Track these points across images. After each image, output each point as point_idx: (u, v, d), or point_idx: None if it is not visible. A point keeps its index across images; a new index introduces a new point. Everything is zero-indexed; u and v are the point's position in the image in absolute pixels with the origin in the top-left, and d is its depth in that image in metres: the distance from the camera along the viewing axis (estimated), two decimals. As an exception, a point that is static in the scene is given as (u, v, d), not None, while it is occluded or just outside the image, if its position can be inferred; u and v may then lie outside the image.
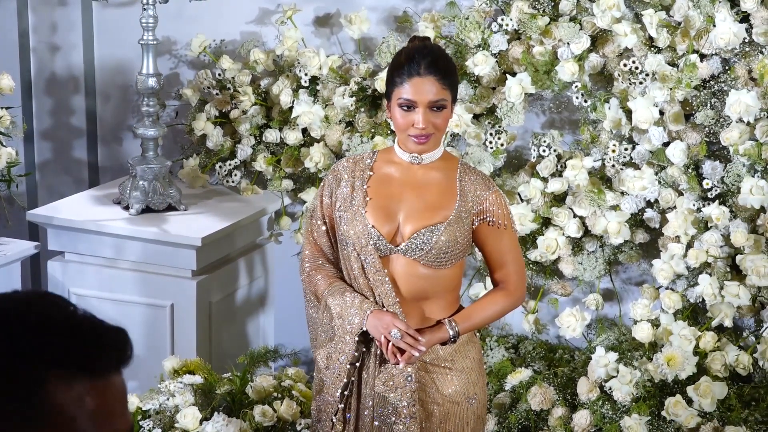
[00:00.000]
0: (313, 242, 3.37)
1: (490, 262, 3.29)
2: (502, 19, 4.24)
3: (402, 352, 3.15)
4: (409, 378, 3.20)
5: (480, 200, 3.21)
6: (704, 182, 4.13)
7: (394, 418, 3.21)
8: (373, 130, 4.39)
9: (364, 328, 3.19)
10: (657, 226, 4.24)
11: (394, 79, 3.16)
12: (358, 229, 3.21)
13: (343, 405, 3.29)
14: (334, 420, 3.29)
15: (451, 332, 3.20)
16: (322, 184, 3.36)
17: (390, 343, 3.14)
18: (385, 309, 3.19)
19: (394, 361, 3.15)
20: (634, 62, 4.11)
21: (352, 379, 3.27)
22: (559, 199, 4.29)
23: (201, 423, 3.86)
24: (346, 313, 3.22)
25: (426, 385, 3.25)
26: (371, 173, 3.28)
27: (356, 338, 3.21)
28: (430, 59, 3.14)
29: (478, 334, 3.38)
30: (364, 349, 3.26)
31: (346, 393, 3.27)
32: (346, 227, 3.24)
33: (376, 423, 3.25)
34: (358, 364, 3.26)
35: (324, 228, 3.34)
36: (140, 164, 4.48)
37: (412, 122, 3.14)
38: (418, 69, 3.13)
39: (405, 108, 3.14)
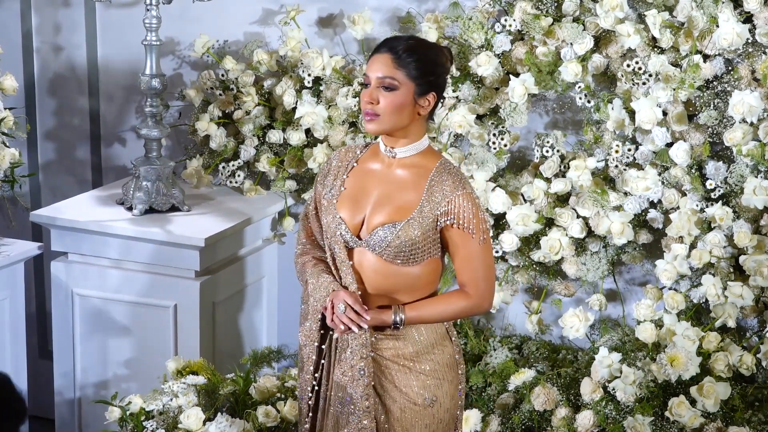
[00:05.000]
0: (306, 226, 3.43)
1: (454, 265, 3.26)
2: (506, 20, 4.24)
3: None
4: (362, 371, 3.22)
5: (446, 201, 3.19)
6: (707, 183, 4.13)
7: (350, 409, 3.24)
8: (376, 131, 4.38)
9: (323, 306, 3.24)
10: (660, 226, 4.24)
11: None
12: (329, 218, 3.27)
13: (316, 384, 3.32)
14: (310, 397, 3.33)
15: (394, 317, 3.22)
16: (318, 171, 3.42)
17: (334, 314, 3.19)
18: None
19: (337, 332, 3.22)
20: (637, 63, 4.11)
21: (323, 362, 3.31)
22: (562, 200, 4.29)
23: (204, 424, 3.87)
24: (317, 293, 3.27)
25: (384, 380, 3.27)
26: (355, 164, 3.31)
27: (319, 316, 3.26)
28: (393, 40, 3.18)
29: (455, 338, 3.35)
30: (332, 333, 3.29)
31: (317, 375, 3.31)
32: (323, 215, 3.30)
33: (335, 410, 3.28)
34: (324, 346, 3.30)
35: (315, 213, 3.39)
36: (143, 165, 4.48)
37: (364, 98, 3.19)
38: (379, 47, 3.18)
39: (365, 85, 3.19)
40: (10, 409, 1.59)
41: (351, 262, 3.25)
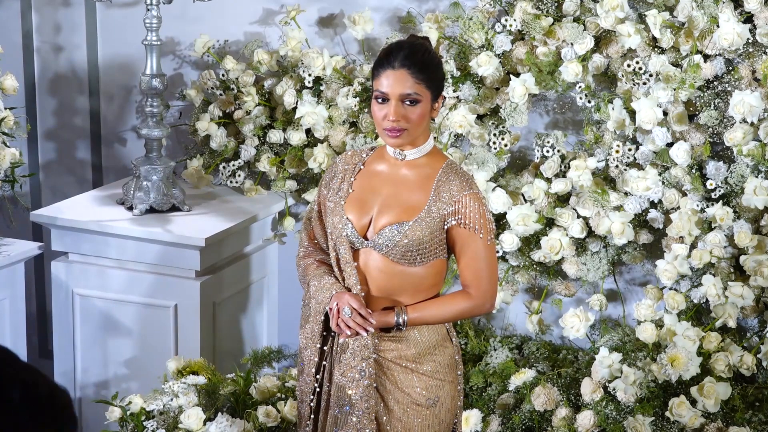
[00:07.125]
0: (309, 229, 3.44)
1: (458, 264, 3.27)
2: (506, 20, 4.24)
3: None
4: (362, 372, 3.23)
5: (453, 201, 3.20)
6: (708, 183, 4.13)
7: (349, 409, 3.24)
8: (376, 131, 4.39)
9: (328, 308, 3.23)
10: (660, 226, 4.24)
11: (373, 73, 3.21)
12: (335, 219, 3.27)
13: (317, 386, 3.32)
14: (312, 399, 3.33)
15: (397, 319, 3.23)
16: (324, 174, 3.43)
17: (339, 318, 3.20)
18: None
19: (343, 336, 3.22)
20: (637, 63, 4.11)
21: (324, 363, 3.31)
22: (562, 200, 4.29)
23: (205, 424, 3.87)
24: (320, 295, 3.27)
25: (387, 381, 3.27)
26: (362, 167, 3.32)
27: (321, 317, 3.26)
28: (406, 52, 3.17)
29: (455, 339, 3.37)
30: (333, 334, 3.29)
31: (318, 377, 3.31)
32: (328, 217, 3.30)
33: (335, 412, 3.28)
34: (326, 348, 3.30)
35: (319, 216, 3.40)
36: (144, 165, 4.48)
37: (385, 115, 3.16)
38: (393, 62, 3.16)
39: (380, 101, 3.18)
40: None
41: (356, 263, 3.25)
